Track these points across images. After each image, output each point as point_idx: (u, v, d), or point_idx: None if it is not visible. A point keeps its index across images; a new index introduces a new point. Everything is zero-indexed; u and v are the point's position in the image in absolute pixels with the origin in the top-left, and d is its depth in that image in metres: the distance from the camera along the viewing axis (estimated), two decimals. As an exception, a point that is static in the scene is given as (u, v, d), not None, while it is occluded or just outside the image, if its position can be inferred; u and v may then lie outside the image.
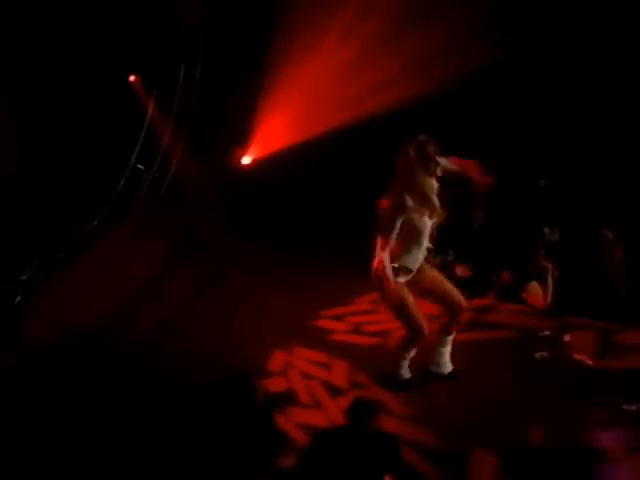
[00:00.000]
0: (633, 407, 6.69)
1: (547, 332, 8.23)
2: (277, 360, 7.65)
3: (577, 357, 7.75)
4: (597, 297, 8.77)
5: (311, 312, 8.46)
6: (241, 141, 10.79)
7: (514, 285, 8.93)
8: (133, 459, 6.08)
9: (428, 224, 6.68)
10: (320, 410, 6.89)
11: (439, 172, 6.70)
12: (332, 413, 6.74)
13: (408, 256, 6.71)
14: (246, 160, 10.84)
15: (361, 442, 5.38)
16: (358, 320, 8.28)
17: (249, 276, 9.36)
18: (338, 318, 8.39)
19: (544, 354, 7.81)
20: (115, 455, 6.13)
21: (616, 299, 8.74)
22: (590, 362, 7.66)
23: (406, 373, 7.16)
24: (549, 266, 8.91)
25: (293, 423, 6.62)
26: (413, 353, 7.11)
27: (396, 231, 6.55)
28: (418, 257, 6.78)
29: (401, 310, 6.87)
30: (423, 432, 6.51)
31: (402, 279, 6.73)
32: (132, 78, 10.31)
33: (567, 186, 10.23)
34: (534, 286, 8.83)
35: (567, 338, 8.12)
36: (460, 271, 9.24)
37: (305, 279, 9.11)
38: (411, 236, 6.65)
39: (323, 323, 8.19)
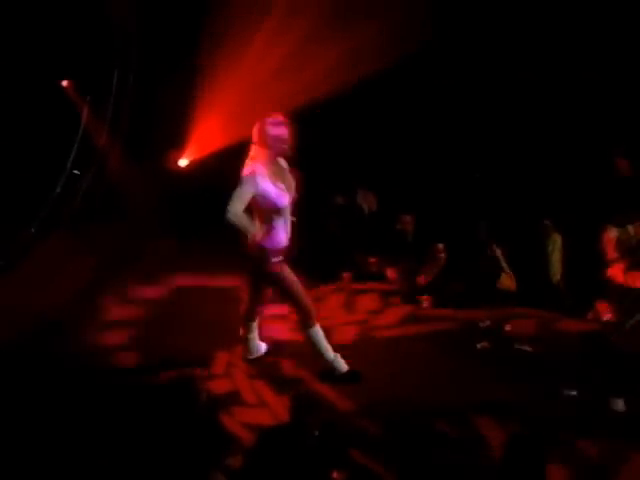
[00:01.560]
0: (573, 392, 6.79)
1: (487, 323, 8.34)
2: (221, 361, 7.62)
3: (517, 346, 7.86)
4: (536, 286, 8.93)
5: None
6: (177, 144, 10.74)
7: (483, 281, 9.07)
8: (79, 461, 6.00)
9: (285, 198, 6.72)
10: (266, 409, 6.85)
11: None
12: (278, 411, 6.71)
13: (277, 233, 6.77)
14: (183, 162, 10.78)
15: (306, 439, 5.39)
16: (300, 318, 8.28)
17: (190, 278, 9.33)
18: (281, 317, 8.38)
19: (485, 344, 7.90)
20: (63, 458, 6.05)
21: (555, 288, 8.90)
22: (530, 350, 7.78)
23: (342, 366, 7.17)
24: (498, 251, 9.07)
25: (239, 423, 6.58)
26: (321, 334, 7.13)
27: (245, 202, 6.57)
28: (286, 233, 6.85)
29: (286, 289, 6.98)
30: (367, 425, 6.51)
31: (277, 259, 6.81)
32: (65, 83, 10.20)
33: (504, 179, 10.44)
34: (504, 276, 8.98)
35: (507, 328, 8.24)
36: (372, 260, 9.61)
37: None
38: (272, 211, 6.69)
39: (266, 322, 8.16)
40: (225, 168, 10.21)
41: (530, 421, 6.36)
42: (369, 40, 9.96)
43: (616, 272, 8.19)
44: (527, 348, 7.81)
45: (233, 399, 6.99)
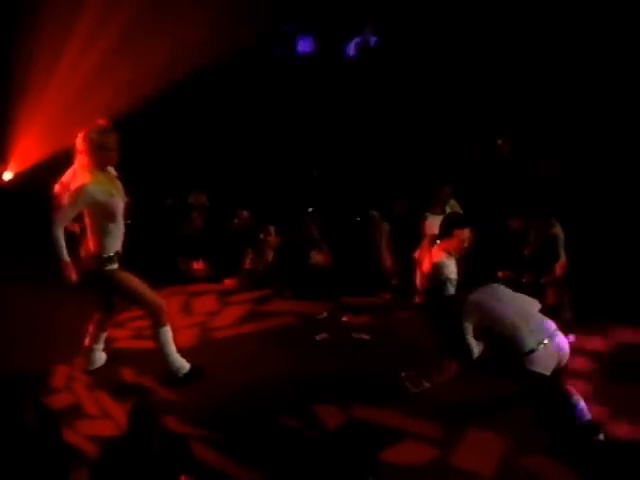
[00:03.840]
0: (411, 374, 6.99)
1: (325, 314, 8.52)
2: (60, 375, 7.44)
3: (355, 335, 8.07)
4: (368, 276, 9.17)
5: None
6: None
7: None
8: None
9: (120, 204, 6.72)
10: (109, 420, 6.77)
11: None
12: (121, 421, 6.61)
13: (112, 239, 6.74)
14: (7, 176, 10.48)
15: (149, 446, 5.34)
16: (139, 325, 8.17)
17: (23, 293, 9.09)
18: (119, 325, 8.27)
19: (324, 336, 8.08)
20: None
21: (385, 276, 9.16)
22: (367, 338, 7.99)
23: (184, 366, 7.17)
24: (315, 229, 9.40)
25: (82, 436, 6.47)
26: (170, 335, 7.10)
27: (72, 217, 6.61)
28: (121, 238, 6.83)
29: (130, 293, 6.97)
30: (214, 425, 6.54)
31: (114, 265, 6.79)
32: None
33: (335, 174, 10.70)
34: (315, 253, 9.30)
35: (344, 318, 8.45)
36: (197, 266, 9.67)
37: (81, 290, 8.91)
38: (108, 218, 6.66)
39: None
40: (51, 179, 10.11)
41: (371, 406, 6.58)
42: (191, 38, 9.96)
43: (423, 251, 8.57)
44: (364, 336, 8.03)
45: (75, 412, 6.84)
